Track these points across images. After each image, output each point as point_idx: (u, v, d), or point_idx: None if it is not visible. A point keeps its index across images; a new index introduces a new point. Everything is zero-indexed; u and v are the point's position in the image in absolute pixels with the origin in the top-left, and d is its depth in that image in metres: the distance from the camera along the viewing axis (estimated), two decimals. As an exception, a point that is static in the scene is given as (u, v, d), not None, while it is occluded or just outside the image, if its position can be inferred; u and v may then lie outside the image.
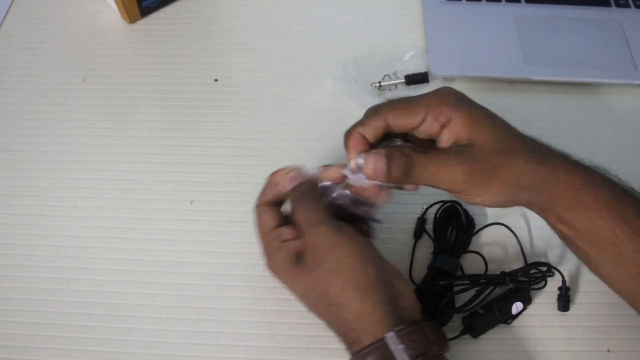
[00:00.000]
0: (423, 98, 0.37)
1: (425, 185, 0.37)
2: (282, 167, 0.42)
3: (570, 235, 0.37)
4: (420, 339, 0.35)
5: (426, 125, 0.36)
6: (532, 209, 0.39)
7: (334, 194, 0.41)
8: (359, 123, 0.38)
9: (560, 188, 0.36)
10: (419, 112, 0.36)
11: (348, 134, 0.38)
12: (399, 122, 0.37)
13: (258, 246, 0.48)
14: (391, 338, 0.34)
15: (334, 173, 0.40)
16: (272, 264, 0.40)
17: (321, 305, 0.38)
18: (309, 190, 0.41)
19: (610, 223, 0.35)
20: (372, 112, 0.37)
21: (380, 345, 0.34)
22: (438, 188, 0.36)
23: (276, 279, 0.40)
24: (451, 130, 0.35)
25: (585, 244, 0.37)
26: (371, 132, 0.37)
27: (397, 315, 0.36)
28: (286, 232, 0.40)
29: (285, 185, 0.41)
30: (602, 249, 0.36)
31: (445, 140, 0.36)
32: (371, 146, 0.38)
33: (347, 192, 0.41)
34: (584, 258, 0.39)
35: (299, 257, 0.38)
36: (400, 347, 0.34)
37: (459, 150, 0.35)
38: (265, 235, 0.41)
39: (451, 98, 0.36)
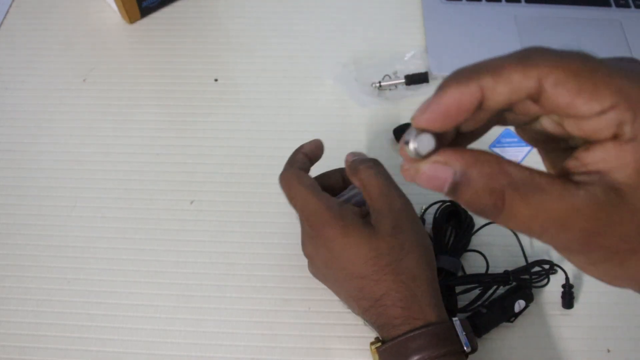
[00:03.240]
0: (608, 79, 0.19)
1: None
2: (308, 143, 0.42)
3: None
4: (471, 333, 0.36)
5: (589, 127, 0.19)
6: None
7: (350, 194, 0.41)
8: (485, 69, 0.20)
9: None
10: (584, 103, 0.19)
11: (458, 80, 0.20)
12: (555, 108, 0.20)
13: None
14: (457, 323, 0.36)
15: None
16: (338, 219, 0.36)
17: (388, 272, 0.35)
18: (372, 159, 0.39)
19: None
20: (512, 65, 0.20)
21: (450, 326, 0.35)
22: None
23: (326, 244, 0.37)
24: (607, 155, 0.19)
25: None
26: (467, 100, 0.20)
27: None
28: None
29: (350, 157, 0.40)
30: None
31: (583, 162, 0.20)
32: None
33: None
34: None
35: (363, 216, 0.38)
36: (463, 333, 0.35)
37: (597, 199, 0.19)
38: (315, 194, 0.38)
39: None
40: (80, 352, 0.43)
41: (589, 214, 0.19)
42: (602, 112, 0.19)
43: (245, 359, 0.43)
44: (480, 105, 0.20)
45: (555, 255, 0.47)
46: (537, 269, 0.44)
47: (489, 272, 0.45)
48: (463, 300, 0.43)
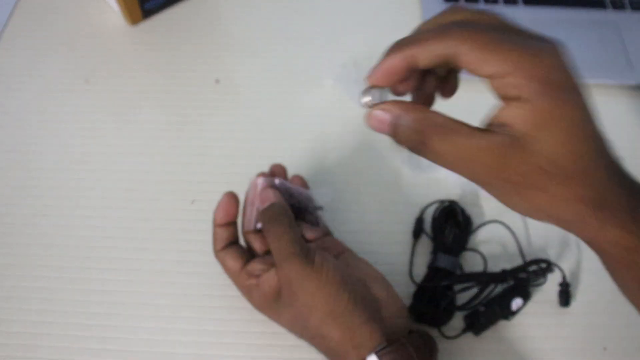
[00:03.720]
0: (508, 52, 0.25)
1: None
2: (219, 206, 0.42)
3: (617, 281, 0.31)
4: (402, 357, 0.35)
5: (495, 87, 0.26)
6: None
7: (276, 184, 0.42)
8: (413, 41, 0.27)
9: (607, 242, 0.29)
10: (487, 68, 0.25)
11: (393, 50, 0.28)
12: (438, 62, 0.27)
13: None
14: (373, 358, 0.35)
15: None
16: (255, 303, 0.41)
17: (306, 337, 0.39)
18: (279, 213, 0.40)
19: None
20: (432, 34, 0.27)
21: None
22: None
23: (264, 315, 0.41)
24: (512, 112, 0.26)
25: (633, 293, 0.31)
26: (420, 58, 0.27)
27: (380, 330, 0.36)
28: (256, 267, 0.40)
29: (259, 206, 0.41)
30: None
31: (497, 117, 0.26)
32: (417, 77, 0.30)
33: (286, 183, 0.42)
34: (624, 292, 0.32)
35: (277, 292, 0.38)
36: None
37: (498, 142, 0.26)
38: (237, 279, 0.41)
39: (554, 75, 0.26)
40: (82, 351, 0.43)
41: (492, 151, 0.26)
42: (500, 76, 0.25)
43: (246, 357, 0.43)
44: (413, 67, 0.27)
45: (552, 254, 0.48)
46: (534, 267, 0.44)
47: (487, 270, 0.45)
48: (461, 299, 0.44)
